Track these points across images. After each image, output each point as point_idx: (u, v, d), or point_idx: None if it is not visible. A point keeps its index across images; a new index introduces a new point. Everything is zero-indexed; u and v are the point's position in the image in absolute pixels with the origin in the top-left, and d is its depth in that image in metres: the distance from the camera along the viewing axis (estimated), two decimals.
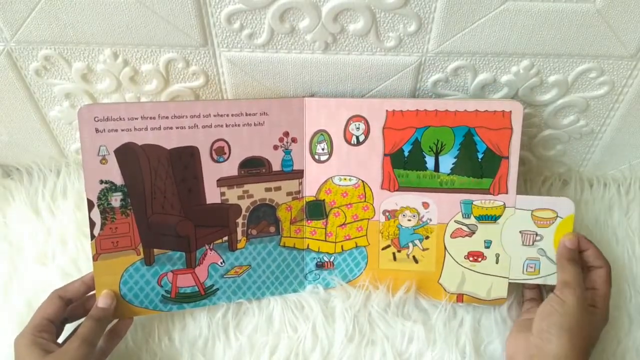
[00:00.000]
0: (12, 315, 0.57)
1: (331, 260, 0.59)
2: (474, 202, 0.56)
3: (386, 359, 0.54)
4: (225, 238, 0.57)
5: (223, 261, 0.57)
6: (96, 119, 0.51)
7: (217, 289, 0.57)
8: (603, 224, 0.63)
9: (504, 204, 0.55)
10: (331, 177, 0.57)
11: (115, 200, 0.53)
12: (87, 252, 0.60)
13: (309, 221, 0.59)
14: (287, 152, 0.57)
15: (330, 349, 0.55)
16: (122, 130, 0.51)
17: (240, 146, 0.55)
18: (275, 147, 0.56)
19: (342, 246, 0.59)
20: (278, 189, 0.57)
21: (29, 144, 0.64)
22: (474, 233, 0.56)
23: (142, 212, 0.54)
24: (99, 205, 0.52)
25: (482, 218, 0.56)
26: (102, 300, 0.52)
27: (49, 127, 0.62)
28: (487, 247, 0.56)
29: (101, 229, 0.53)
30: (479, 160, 0.55)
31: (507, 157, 0.54)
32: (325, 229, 0.58)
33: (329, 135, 0.56)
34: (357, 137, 0.56)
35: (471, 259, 0.57)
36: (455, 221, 0.56)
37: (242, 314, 0.58)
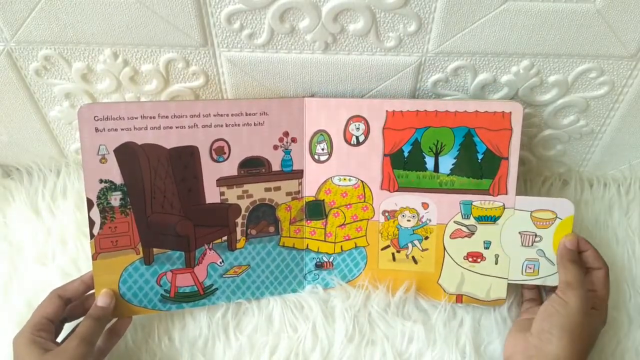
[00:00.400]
0: (12, 315, 0.57)
1: (330, 260, 0.59)
2: (473, 203, 0.56)
3: (386, 359, 0.54)
4: (225, 238, 0.57)
5: (222, 261, 0.57)
6: (96, 119, 0.51)
7: (216, 289, 0.57)
8: (603, 224, 0.63)
9: (504, 204, 0.55)
10: (331, 177, 0.57)
11: (115, 199, 0.53)
12: (87, 252, 0.60)
13: (308, 221, 0.59)
14: (287, 152, 0.57)
15: (330, 349, 0.55)
16: (121, 129, 0.51)
17: (240, 146, 0.55)
18: (275, 147, 0.56)
19: (341, 246, 0.59)
20: (278, 189, 0.57)
21: (29, 144, 0.64)
22: (473, 234, 0.56)
23: (142, 212, 0.54)
24: (98, 205, 0.52)
25: (481, 219, 0.56)
26: (101, 299, 0.52)
27: (49, 127, 0.62)
28: (487, 248, 0.56)
29: (100, 228, 0.53)
30: (479, 161, 0.55)
31: (507, 158, 0.54)
32: (325, 229, 0.58)
33: (328, 135, 0.56)
34: (357, 138, 0.56)
35: (470, 259, 0.57)
36: (454, 222, 0.56)
37: (242, 314, 0.58)
